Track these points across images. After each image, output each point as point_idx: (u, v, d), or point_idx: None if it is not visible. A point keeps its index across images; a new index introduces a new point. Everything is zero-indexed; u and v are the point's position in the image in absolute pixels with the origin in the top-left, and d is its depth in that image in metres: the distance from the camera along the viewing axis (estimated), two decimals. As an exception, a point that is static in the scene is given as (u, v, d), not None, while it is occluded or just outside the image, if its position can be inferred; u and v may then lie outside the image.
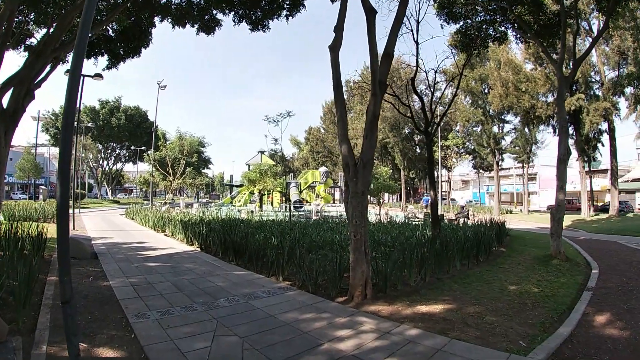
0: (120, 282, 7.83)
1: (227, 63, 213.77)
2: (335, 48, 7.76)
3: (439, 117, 17.21)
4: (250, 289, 7.51)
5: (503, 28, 14.59)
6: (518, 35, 14.90)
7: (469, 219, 24.02)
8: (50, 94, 73.05)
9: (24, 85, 10.49)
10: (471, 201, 61.98)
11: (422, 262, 8.39)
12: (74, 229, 17.94)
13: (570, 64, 27.60)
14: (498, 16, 14.15)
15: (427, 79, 15.11)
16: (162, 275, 8.59)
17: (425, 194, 59.28)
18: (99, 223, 23.12)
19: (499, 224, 15.29)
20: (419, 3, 12.95)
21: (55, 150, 63.99)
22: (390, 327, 5.45)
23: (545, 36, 13.80)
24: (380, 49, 8.05)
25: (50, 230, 16.74)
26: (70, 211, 19.31)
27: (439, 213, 15.42)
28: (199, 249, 12.81)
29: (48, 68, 12.69)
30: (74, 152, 49.45)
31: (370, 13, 7.61)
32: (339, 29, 7.85)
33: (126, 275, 8.54)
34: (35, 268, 7.83)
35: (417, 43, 13.05)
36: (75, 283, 7.69)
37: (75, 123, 25.38)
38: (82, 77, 19.10)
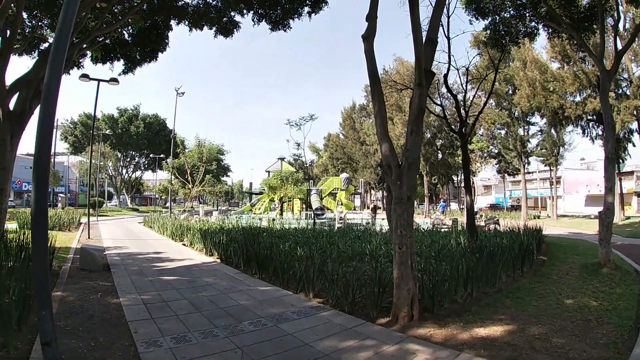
0: (132, 300, 6.98)
1: (244, 72, 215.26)
2: (369, 37, 6.93)
3: (471, 119, 16.15)
4: (278, 308, 6.57)
5: (533, 23, 13.81)
6: (550, 30, 13.98)
7: (499, 225, 22.83)
8: (69, 102, 73.95)
9: (32, 87, 9.83)
10: (493, 206, 60.23)
11: (467, 274, 7.39)
12: (88, 237, 17.35)
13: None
14: (527, 11, 13.40)
15: (459, 77, 14.13)
16: (178, 292, 7.70)
17: (442, 200, 57.78)
18: (116, 231, 22.52)
19: (538, 230, 14.13)
20: (449, -4, 12.08)
21: (75, 159, 64.66)
22: (449, 357, 4.52)
23: (579, 30, 12.92)
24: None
25: (63, 238, 16.46)
26: (89, 219, 19.13)
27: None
28: (218, 260, 11.94)
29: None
30: (93, 160, 50.02)
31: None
32: (371, 17, 7.02)
33: (139, 290, 7.69)
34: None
35: (448, 38, 12.28)
36: (83, 299, 6.94)
37: (92, 131, 25.11)
38: (98, 82, 18.82)
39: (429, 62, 6.55)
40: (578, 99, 33.38)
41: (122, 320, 5.76)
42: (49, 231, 11.52)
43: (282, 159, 46.69)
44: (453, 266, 7.39)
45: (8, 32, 10.13)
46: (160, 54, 15.40)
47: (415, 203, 60.61)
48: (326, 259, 8.58)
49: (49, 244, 8.90)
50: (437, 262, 8.58)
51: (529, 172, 47.12)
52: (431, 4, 6.89)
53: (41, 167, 2.87)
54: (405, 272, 5.88)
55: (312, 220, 22.47)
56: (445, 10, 11.89)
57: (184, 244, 16.23)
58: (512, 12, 13.68)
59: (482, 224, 24.72)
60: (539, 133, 41.15)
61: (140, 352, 4.56)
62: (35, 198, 2.90)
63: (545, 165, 43.95)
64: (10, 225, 10.18)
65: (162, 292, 7.60)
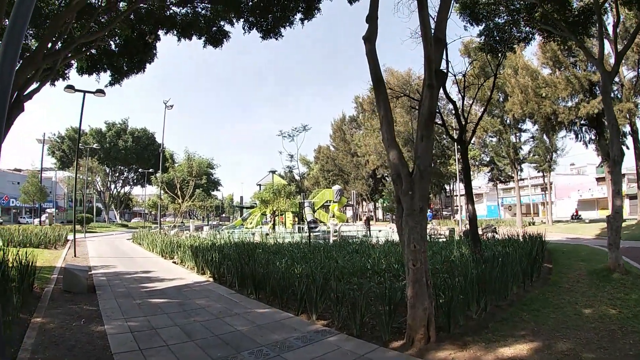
0: (118, 327, 6.32)
1: (233, 85, 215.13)
2: (370, 38, 6.56)
3: (469, 126, 15.79)
4: (280, 334, 5.97)
5: (528, 28, 13.75)
6: (545, 35, 13.93)
7: (497, 234, 22.50)
8: (56, 116, 73.03)
9: (11, 95, 9.22)
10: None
11: (480, 288, 6.91)
12: (74, 255, 16.55)
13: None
14: (522, 16, 13.34)
15: (457, 84, 13.79)
16: (168, 317, 7.05)
17: (431, 211, 57.21)
18: (103, 249, 21.67)
19: (540, 237, 13.70)
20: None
21: (63, 174, 63.50)
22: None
23: (576, 33, 12.89)
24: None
25: (48, 257, 15.66)
26: (76, 236, 18.33)
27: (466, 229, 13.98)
28: (211, 279, 11.28)
29: (39, 82, 11.50)
30: (80, 175, 49.06)
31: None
32: (371, 18, 6.68)
33: (126, 316, 7.03)
34: (16, 305, 6.51)
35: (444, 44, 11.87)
36: (64, 327, 6.28)
37: (81, 145, 24.37)
38: (84, 93, 18.21)
39: (437, 63, 6.13)
40: (570, 104, 33.53)
41: (106, 353, 5.14)
42: (34, 249, 10.76)
43: (273, 172, 46.12)
44: (467, 279, 6.91)
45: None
46: (148, 64, 14.98)
47: (432, 214, 60.39)
48: (329, 276, 7.99)
49: (30, 264, 8.33)
50: (448, 275, 8.09)
51: (521, 179, 47.13)
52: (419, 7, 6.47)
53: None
54: (420, 290, 5.37)
55: (307, 234, 21.82)
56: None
57: (174, 262, 15.53)
58: (506, 17, 13.60)
59: (480, 232, 24.37)
60: (531, 139, 41.34)
61: (127, 394, 3.95)
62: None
63: (539, 172, 44.08)
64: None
65: (150, 318, 6.95)
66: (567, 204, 55.79)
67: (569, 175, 64.64)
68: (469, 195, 12.60)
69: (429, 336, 5.39)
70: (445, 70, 6.52)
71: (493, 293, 7.26)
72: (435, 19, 6.78)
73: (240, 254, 11.85)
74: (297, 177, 36.87)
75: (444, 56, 11.85)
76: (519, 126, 40.73)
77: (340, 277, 8.83)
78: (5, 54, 2.48)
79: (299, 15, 12.88)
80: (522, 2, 13.03)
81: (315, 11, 12.90)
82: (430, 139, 5.81)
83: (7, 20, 10.39)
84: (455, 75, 13.46)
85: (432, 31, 6.38)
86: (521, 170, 43.61)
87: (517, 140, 41.42)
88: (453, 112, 13.31)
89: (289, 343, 5.54)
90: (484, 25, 13.65)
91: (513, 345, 5.17)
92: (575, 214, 46.02)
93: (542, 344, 5.17)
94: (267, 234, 25.99)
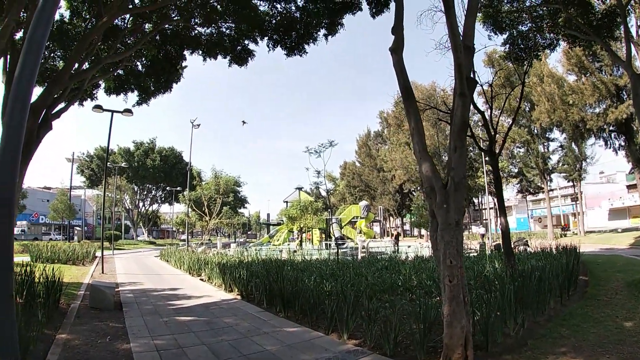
0: (144, 345, 6.21)
1: (258, 103, 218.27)
2: (397, 50, 6.38)
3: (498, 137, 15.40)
4: (311, 354, 5.73)
5: (552, 34, 13.67)
6: (569, 40, 13.84)
7: (528, 246, 21.79)
8: (85, 136, 75.32)
9: (39, 115, 9.40)
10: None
11: (517, 303, 6.53)
12: (102, 272, 16.74)
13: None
14: (545, 22, 13.26)
15: (484, 94, 13.52)
16: (195, 335, 6.90)
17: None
18: (131, 266, 21.93)
19: (574, 249, 13.15)
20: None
21: (92, 192, 65.24)
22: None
23: (600, 37, 12.81)
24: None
25: (76, 273, 15.86)
26: (103, 253, 18.62)
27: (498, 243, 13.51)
28: (239, 297, 11.15)
29: (65, 102, 11.81)
30: (108, 193, 50.11)
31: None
32: (397, 28, 6.52)
33: (152, 334, 6.92)
34: (41, 321, 6.47)
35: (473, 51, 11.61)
36: (89, 343, 6.25)
37: (109, 164, 24.91)
38: (112, 113, 18.65)
39: (468, 70, 5.92)
40: (598, 110, 32.84)
41: (132, 373, 5.00)
42: (62, 265, 10.95)
43: (300, 189, 46.25)
44: (503, 295, 6.57)
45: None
46: (174, 84, 15.32)
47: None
48: (360, 294, 7.71)
49: (57, 280, 8.37)
50: (485, 291, 7.72)
51: (550, 190, 45.80)
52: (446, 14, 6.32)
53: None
54: (457, 308, 5.04)
55: (335, 251, 21.59)
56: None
57: (202, 279, 15.49)
58: (530, 24, 13.49)
59: (511, 245, 23.66)
60: (560, 149, 40.37)
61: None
62: None
63: (569, 182, 43.03)
64: (23, 258, 9.61)
65: (177, 336, 6.82)
66: (598, 214, 53.75)
67: (599, 184, 62.15)
68: (501, 208, 12.16)
69: (467, 356, 5.04)
70: (474, 79, 6.23)
71: (530, 308, 6.96)
72: (462, 27, 6.59)
73: (268, 271, 11.69)
74: (323, 194, 36.69)
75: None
76: (547, 135, 39.92)
77: (371, 295, 8.53)
78: (25, 64, 2.42)
79: (322, 32, 12.90)
80: (545, 9, 12.92)
81: (339, 27, 12.91)
82: (464, 149, 5.56)
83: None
84: (482, 86, 13.18)
85: (461, 38, 6.19)
86: (550, 180, 42.65)
87: (546, 150, 40.52)
88: (479, 123, 13.02)
89: (320, 365, 5.27)
90: (507, 33, 13.54)
91: None
92: (564, 226, 44.52)
93: None
94: (294, 251, 25.87)
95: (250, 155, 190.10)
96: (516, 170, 45.27)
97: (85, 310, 8.84)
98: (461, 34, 6.21)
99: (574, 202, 43.01)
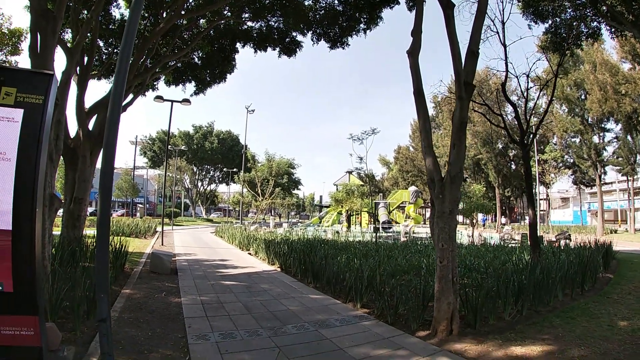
0: (192, 300, 7.63)
1: (308, 90, 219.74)
2: (414, 53, 7.03)
3: (534, 128, 15.47)
4: (324, 315, 6.84)
5: (595, 23, 13.21)
6: (612, 30, 13.33)
7: (570, 240, 21.45)
8: (149, 120, 79.81)
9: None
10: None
11: (519, 292, 7.05)
12: (162, 244, 18.72)
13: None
14: (588, 10, 12.84)
15: (519, 86, 13.59)
16: (234, 295, 8.25)
17: (483, 214, 54.33)
18: (188, 240, 24.00)
19: (605, 246, 13.21)
20: (502, 3, 11.75)
21: (154, 172, 69.81)
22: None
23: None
24: (463, 50, 7.16)
25: (138, 244, 17.87)
26: (163, 228, 20.68)
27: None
28: (279, 269, 12.44)
29: (132, 94, 13.43)
30: (169, 174, 53.42)
31: (448, 7, 6.77)
32: (416, 32, 7.10)
33: (200, 292, 8.35)
34: (110, 279, 8.00)
35: (504, 46, 11.84)
36: (148, 297, 7.75)
37: (170, 146, 27.11)
38: (171, 103, 20.46)
39: (470, 75, 6.53)
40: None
41: (179, 317, 6.37)
42: (127, 237, 12.81)
43: (350, 172, 46.95)
44: (500, 282, 7.14)
45: (86, 59, 11.45)
46: (228, 75, 16.53)
47: (486, 218, 58.16)
48: (374, 272, 8.63)
49: (122, 248, 9.99)
50: (489, 277, 8.31)
51: (606, 183, 43.37)
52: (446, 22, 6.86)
53: (106, 176, 3.43)
54: (445, 285, 5.87)
55: (375, 234, 22.46)
56: (500, 17, 11.73)
57: (250, 253, 17.00)
58: (572, 13, 13.12)
59: (553, 238, 23.38)
60: (615, 140, 38.26)
61: (190, 343, 5.09)
62: (100, 206, 3.48)
63: (622, 175, 40.57)
64: (90, 232, 11.42)
65: (220, 295, 8.19)
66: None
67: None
68: (530, 200, 12.46)
69: (452, 329, 5.80)
70: (473, 84, 6.76)
71: (534, 298, 7.25)
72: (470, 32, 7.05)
73: (305, 248, 12.86)
74: (365, 179, 37.29)
75: (504, 58, 12.04)
76: (603, 125, 37.80)
77: (393, 273, 9.41)
78: (117, 82, 3.56)
79: (362, 25, 13.60)
80: None
81: (378, 20, 13.51)
82: (462, 147, 6.29)
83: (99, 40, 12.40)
84: (518, 77, 13.28)
85: (468, 44, 6.80)
86: (605, 173, 40.38)
87: (601, 140, 38.48)
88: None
89: (328, 322, 6.37)
90: (550, 22, 13.25)
91: (527, 346, 5.27)
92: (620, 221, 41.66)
93: (557, 348, 5.20)
94: (337, 232, 27.00)
95: (309, 138, 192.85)
96: (571, 161, 43.36)
97: (146, 274, 10.43)
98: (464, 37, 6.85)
99: (629, 197, 40.56)
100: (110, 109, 3.52)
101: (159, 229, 24.20)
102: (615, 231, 37.95)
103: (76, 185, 10.77)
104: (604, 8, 12.22)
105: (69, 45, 10.65)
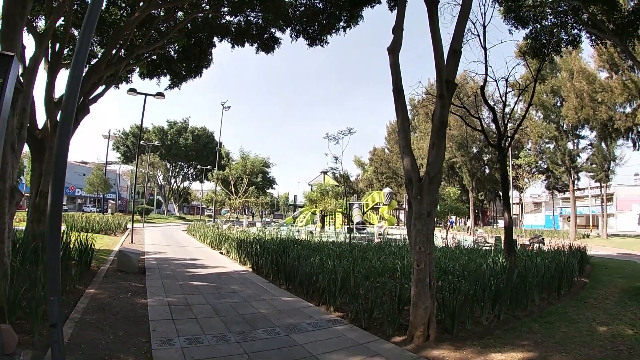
0: (158, 301, 7.30)
1: (287, 87, 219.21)
2: (394, 50, 6.92)
3: (510, 132, 15.67)
4: (296, 319, 6.62)
5: (576, 30, 13.42)
6: (593, 37, 13.60)
7: (544, 244, 21.91)
8: (121, 114, 78.01)
9: (78, 100, 10.58)
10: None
11: (496, 296, 7.01)
12: (131, 242, 18.16)
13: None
14: (569, 18, 13.07)
15: (498, 89, 13.76)
16: (203, 297, 7.95)
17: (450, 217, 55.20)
18: (159, 238, 23.42)
19: (580, 250, 13.46)
20: (484, 6, 11.88)
21: (126, 168, 68.15)
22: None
23: (623, 36, 12.48)
24: (445, 50, 7.08)
25: (107, 242, 17.34)
26: (133, 225, 20.06)
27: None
28: (250, 270, 12.15)
29: (104, 85, 12.92)
30: (142, 169, 52.22)
31: (431, 4, 6.68)
32: (397, 29, 7.02)
33: (167, 293, 8.02)
34: (74, 278, 7.59)
35: (484, 49, 12.03)
36: (113, 297, 7.39)
37: (143, 142, 26.43)
38: (145, 96, 19.88)
39: (451, 73, 6.44)
40: (628, 110, 31.91)
41: (144, 319, 6.05)
42: (95, 234, 12.32)
43: (324, 173, 46.93)
44: (478, 287, 7.09)
45: (57, 46, 10.92)
46: (204, 69, 16.13)
47: (459, 220, 59.06)
48: (350, 273, 8.48)
49: (89, 245, 9.55)
50: (465, 281, 8.29)
51: (579, 189, 44.67)
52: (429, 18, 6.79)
53: (59, 168, 3.13)
54: (422, 290, 5.73)
55: (349, 235, 22.39)
56: (481, 20, 11.84)
57: (221, 253, 16.65)
58: (553, 19, 13.32)
59: (527, 242, 23.82)
60: (589, 147, 39.35)
61: (153, 348, 4.81)
62: (51, 199, 3.16)
63: (595, 182, 41.87)
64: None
65: (188, 296, 7.87)
66: (630, 217, 51.99)
67: (633, 187, 59.90)
68: (506, 204, 12.58)
69: (429, 334, 5.66)
70: (456, 82, 6.73)
71: (511, 302, 7.22)
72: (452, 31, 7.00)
73: (278, 248, 12.62)
74: (340, 179, 37.28)
75: (484, 61, 12.13)
76: (577, 132, 38.89)
77: (367, 275, 9.21)
78: (76, 65, 3.26)
79: (342, 24, 13.43)
80: (568, 3, 12.66)
81: (358, 18, 13.35)
82: (442, 147, 6.16)
83: (72, 29, 11.87)
84: (497, 81, 13.39)
85: (450, 43, 6.72)
86: (578, 179, 41.62)
87: (575, 147, 39.57)
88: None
89: (300, 327, 6.15)
90: (530, 27, 13.42)
91: (507, 352, 5.20)
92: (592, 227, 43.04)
93: (537, 355, 5.15)
94: (311, 232, 26.85)
95: (284, 137, 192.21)
96: (545, 166, 44.43)
97: (112, 273, 10.00)
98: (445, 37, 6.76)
99: (602, 203, 41.92)
100: (67, 90, 3.21)
101: (129, 226, 23.52)
102: (588, 236, 39.00)
103: (42, 178, 10.24)
104: (585, 16, 12.43)
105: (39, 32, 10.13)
